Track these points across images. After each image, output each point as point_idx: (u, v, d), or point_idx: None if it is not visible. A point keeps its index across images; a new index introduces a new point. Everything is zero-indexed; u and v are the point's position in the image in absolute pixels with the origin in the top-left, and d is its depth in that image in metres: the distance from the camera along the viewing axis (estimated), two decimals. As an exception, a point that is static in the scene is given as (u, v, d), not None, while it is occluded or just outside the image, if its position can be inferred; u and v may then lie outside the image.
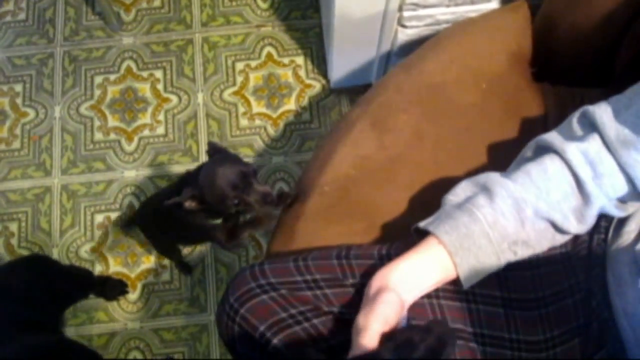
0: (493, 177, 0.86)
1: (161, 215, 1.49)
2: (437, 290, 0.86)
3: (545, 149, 0.87)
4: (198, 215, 1.28)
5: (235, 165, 1.17)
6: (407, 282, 0.80)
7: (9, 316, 1.30)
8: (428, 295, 0.87)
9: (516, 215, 0.81)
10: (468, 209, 0.82)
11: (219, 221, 1.33)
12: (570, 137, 0.86)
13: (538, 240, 0.84)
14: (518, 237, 0.82)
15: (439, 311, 0.89)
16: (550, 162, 0.84)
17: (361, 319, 0.75)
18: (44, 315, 1.40)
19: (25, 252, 1.99)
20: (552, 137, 0.87)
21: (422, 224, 0.84)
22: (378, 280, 0.80)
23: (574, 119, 0.88)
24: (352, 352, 0.74)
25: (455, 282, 0.83)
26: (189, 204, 1.19)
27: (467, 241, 0.80)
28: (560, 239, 0.87)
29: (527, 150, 0.91)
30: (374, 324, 0.72)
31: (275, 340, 0.87)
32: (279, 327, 0.87)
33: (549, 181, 0.82)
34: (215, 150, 1.24)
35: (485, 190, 0.84)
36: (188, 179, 1.26)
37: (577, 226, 0.84)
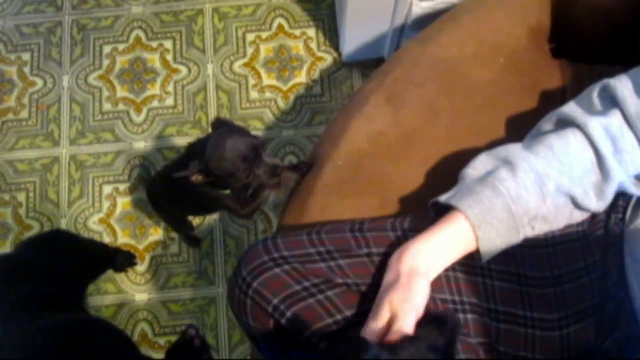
0: (514, 150, 0.84)
1: (172, 188, 1.47)
2: (453, 263, 0.85)
3: (566, 123, 0.86)
4: (206, 186, 1.27)
5: (244, 137, 1.16)
6: (435, 262, 0.81)
7: (33, 294, 1.29)
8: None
9: (538, 190, 0.81)
10: (490, 182, 0.81)
11: (227, 191, 1.32)
12: (591, 111, 0.86)
13: (556, 216, 0.84)
14: (538, 211, 0.81)
15: (455, 284, 0.89)
16: (572, 136, 0.83)
17: (395, 302, 0.76)
18: (68, 292, 1.40)
19: (33, 223, 1.99)
20: (573, 109, 0.86)
21: (442, 198, 0.84)
22: (409, 259, 0.80)
23: (594, 93, 0.88)
24: (374, 325, 0.77)
25: (472, 255, 0.83)
26: (196, 178, 1.18)
27: (489, 215, 0.80)
28: (578, 216, 0.87)
29: (546, 123, 0.90)
30: (410, 316, 0.75)
31: (289, 313, 0.86)
32: (292, 299, 0.86)
33: (571, 155, 0.82)
34: (220, 124, 1.22)
35: (507, 163, 0.83)
36: (195, 148, 1.24)
37: (597, 203, 0.83)
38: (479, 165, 0.86)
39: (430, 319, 0.75)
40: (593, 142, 0.81)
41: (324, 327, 0.86)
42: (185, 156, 1.32)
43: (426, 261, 0.80)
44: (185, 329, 1.17)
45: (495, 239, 0.81)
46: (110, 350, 1.22)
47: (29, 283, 1.31)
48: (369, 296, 0.85)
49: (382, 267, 0.87)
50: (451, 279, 0.89)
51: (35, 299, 1.28)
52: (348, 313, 0.86)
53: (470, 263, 0.88)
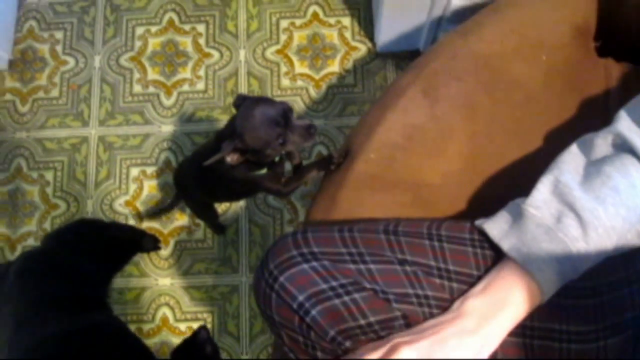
0: (579, 197, 0.80)
1: (203, 175, 1.45)
2: None
3: (624, 147, 0.83)
4: (241, 168, 1.24)
5: (271, 104, 1.14)
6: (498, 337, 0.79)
7: (53, 293, 1.28)
8: None
9: (604, 246, 0.79)
10: (561, 240, 0.78)
11: (263, 171, 1.30)
12: None
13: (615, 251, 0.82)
14: (598, 260, 0.80)
15: None
16: (636, 175, 0.80)
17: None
18: (91, 287, 1.38)
19: (60, 202, 1.99)
20: (629, 128, 0.83)
21: (507, 248, 0.81)
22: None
23: None
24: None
25: None
26: (232, 158, 1.16)
27: (560, 278, 0.78)
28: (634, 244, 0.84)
29: (601, 141, 0.85)
30: None
31: (314, 312, 0.84)
32: (318, 298, 0.84)
33: (637, 197, 0.79)
34: (243, 99, 1.19)
35: (575, 214, 0.79)
36: (224, 134, 1.22)
37: None
38: (542, 205, 0.82)
39: None
40: None
41: (347, 330, 0.84)
42: (214, 143, 1.29)
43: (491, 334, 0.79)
44: (197, 330, 1.14)
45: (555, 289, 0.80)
46: None
47: (50, 281, 1.30)
48: (396, 306, 0.83)
49: (413, 278, 0.84)
50: None
51: (54, 299, 1.27)
52: (372, 319, 0.83)
53: None
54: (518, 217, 0.82)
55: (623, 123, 0.84)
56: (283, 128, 1.12)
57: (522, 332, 0.84)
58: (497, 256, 0.83)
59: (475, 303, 0.80)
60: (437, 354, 0.76)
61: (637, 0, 1.15)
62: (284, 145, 1.14)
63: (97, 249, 1.49)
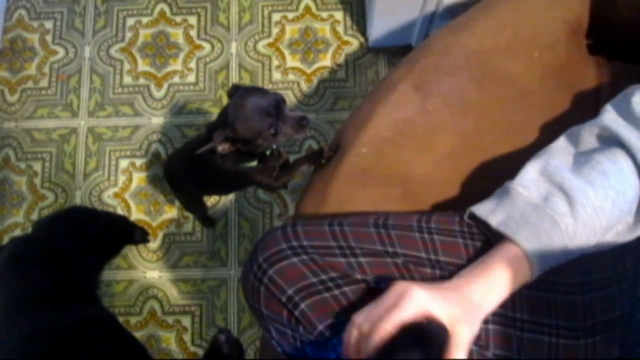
0: (568, 177, 0.80)
1: (194, 166, 1.45)
2: None
3: (610, 139, 0.83)
4: (231, 159, 1.24)
5: (264, 94, 1.14)
6: (491, 303, 0.79)
7: (42, 283, 1.27)
8: None
9: (593, 226, 0.79)
10: (549, 215, 0.78)
11: (253, 163, 1.29)
12: (633, 121, 0.83)
13: (603, 244, 0.83)
14: (589, 245, 0.80)
15: None
16: (625, 162, 0.80)
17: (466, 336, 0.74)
18: (82, 277, 1.37)
19: (48, 193, 1.98)
20: (614, 121, 0.84)
21: (495, 223, 0.81)
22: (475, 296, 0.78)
23: (634, 98, 0.84)
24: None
25: None
26: (222, 147, 1.15)
27: (547, 250, 0.78)
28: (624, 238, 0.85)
29: (587, 133, 0.86)
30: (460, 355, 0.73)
31: (303, 305, 0.84)
32: (307, 291, 0.84)
33: (625, 182, 0.80)
34: (236, 89, 1.19)
35: (564, 193, 0.79)
36: (216, 125, 1.22)
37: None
38: (530, 185, 0.82)
39: (409, 335, 0.71)
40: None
41: (337, 325, 0.83)
42: (205, 135, 1.29)
43: (485, 305, 0.78)
44: (216, 333, 1.13)
45: (545, 268, 0.80)
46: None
47: (41, 270, 1.29)
48: None
49: (404, 269, 0.85)
50: None
51: (42, 290, 1.25)
52: None
53: None
54: (505, 196, 0.83)
55: (609, 116, 0.85)
56: (275, 119, 1.12)
57: (513, 324, 0.84)
58: (487, 247, 0.84)
59: (465, 280, 0.80)
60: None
61: (629, -1, 1.15)
62: (276, 136, 1.14)
63: (89, 238, 1.48)
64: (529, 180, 0.82)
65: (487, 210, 0.82)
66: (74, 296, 1.29)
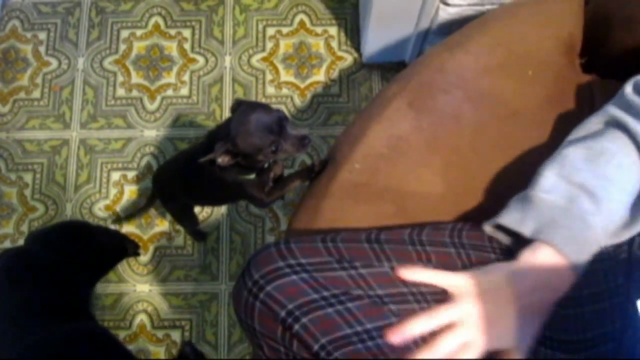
0: (588, 176, 0.83)
1: (188, 176, 1.45)
2: None
3: (618, 126, 0.87)
4: (231, 171, 1.25)
5: (267, 111, 1.15)
6: None
7: (35, 297, 1.25)
8: None
9: (617, 221, 0.82)
10: (579, 216, 0.81)
11: (252, 176, 1.30)
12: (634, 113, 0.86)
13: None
14: (615, 238, 0.84)
15: None
16: (634, 153, 0.84)
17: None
18: (74, 293, 1.35)
19: (38, 205, 1.97)
20: (618, 112, 0.88)
21: (529, 232, 0.82)
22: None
23: (628, 89, 0.90)
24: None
25: None
26: (222, 159, 1.16)
27: (584, 250, 0.81)
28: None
29: (596, 122, 0.90)
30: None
31: (304, 320, 0.82)
32: (309, 307, 0.82)
33: (638, 174, 0.84)
34: (239, 104, 1.21)
35: (587, 192, 0.81)
36: (216, 135, 1.22)
37: None
38: (552, 190, 0.84)
39: None
40: None
41: (342, 338, 0.82)
42: (206, 144, 1.29)
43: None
44: (181, 346, 1.12)
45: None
46: None
47: (33, 284, 1.27)
48: (393, 307, 0.83)
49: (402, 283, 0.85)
50: None
51: (36, 304, 1.24)
52: (369, 326, 0.82)
53: None
54: (529, 204, 0.84)
55: (613, 108, 0.90)
56: (277, 136, 1.13)
57: None
58: (479, 255, 0.85)
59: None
60: None
61: (623, 18, 1.15)
62: (276, 153, 1.15)
63: (84, 254, 1.46)
64: (549, 185, 0.84)
65: (516, 220, 0.84)
66: (68, 311, 1.28)
